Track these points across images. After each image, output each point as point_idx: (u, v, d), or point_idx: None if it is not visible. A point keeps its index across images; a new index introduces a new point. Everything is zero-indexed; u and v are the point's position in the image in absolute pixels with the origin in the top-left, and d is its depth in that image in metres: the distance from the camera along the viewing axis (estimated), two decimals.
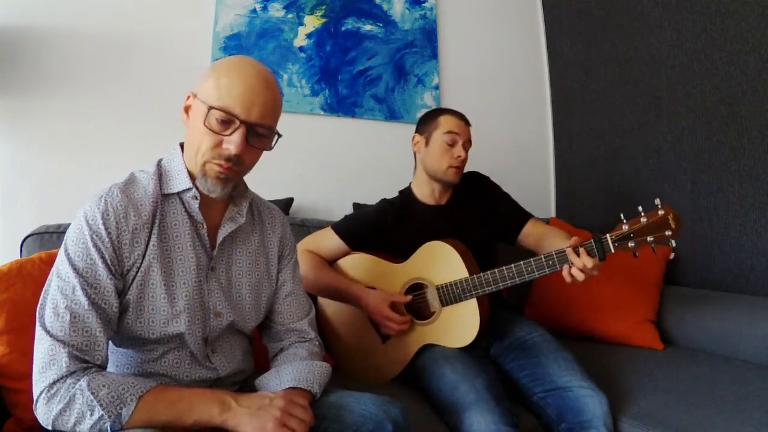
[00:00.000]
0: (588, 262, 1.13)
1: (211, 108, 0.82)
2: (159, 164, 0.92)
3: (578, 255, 1.14)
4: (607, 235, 1.14)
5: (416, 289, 1.35)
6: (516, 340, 1.33)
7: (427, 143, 1.45)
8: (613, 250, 1.14)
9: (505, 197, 1.53)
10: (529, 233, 1.46)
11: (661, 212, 1.12)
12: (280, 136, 0.90)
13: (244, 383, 1.01)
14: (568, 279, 1.16)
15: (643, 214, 1.13)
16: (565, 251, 1.17)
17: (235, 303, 0.96)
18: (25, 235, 1.39)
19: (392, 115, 2.12)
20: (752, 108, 1.58)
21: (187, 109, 0.89)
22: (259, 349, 1.09)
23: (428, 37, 2.21)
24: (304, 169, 1.99)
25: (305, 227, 1.69)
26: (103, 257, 0.80)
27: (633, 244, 1.13)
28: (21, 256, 1.35)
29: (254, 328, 1.04)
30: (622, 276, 1.70)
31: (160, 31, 1.82)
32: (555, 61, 2.44)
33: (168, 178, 0.90)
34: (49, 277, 0.81)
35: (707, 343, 1.51)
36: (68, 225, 1.39)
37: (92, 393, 0.72)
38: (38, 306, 0.78)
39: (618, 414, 1.17)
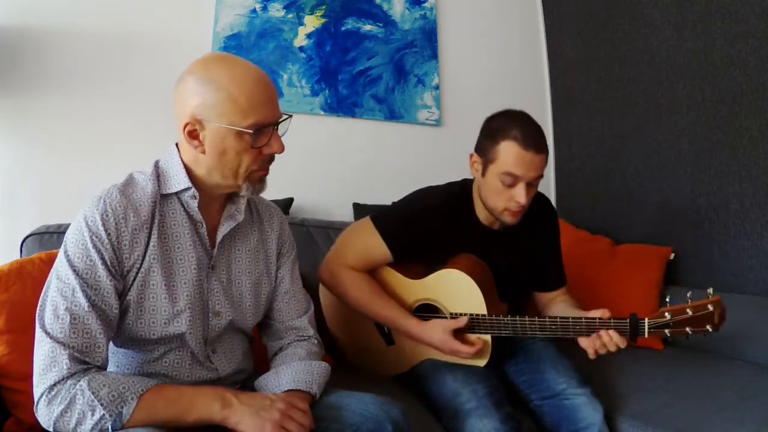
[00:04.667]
0: (620, 342, 1.08)
1: (255, 131, 0.83)
2: (156, 165, 0.92)
3: (608, 332, 1.08)
4: (646, 320, 1.08)
5: (427, 309, 1.28)
6: (515, 342, 1.33)
7: (483, 172, 1.20)
8: (646, 336, 1.09)
9: (558, 248, 1.38)
10: (548, 294, 1.37)
11: (710, 307, 1.05)
12: (290, 116, 0.91)
13: (244, 383, 1.01)
14: (590, 353, 1.11)
15: (690, 302, 1.06)
16: (596, 321, 1.10)
17: (235, 301, 0.96)
18: (25, 235, 1.39)
19: (392, 115, 2.12)
20: (752, 108, 1.58)
21: (192, 134, 0.84)
22: (258, 348, 1.09)
23: (428, 37, 2.21)
24: (304, 169, 1.99)
25: (305, 227, 1.69)
26: (102, 258, 0.80)
27: (669, 333, 1.08)
28: (21, 256, 1.35)
29: (254, 328, 1.04)
30: (622, 276, 1.70)
31: (160, 31, 1.82)
32: (555, 61, 2.43)
33: (166, 178, 0.90)
34: (48, 278, 0.80)
35: (707, 343, 1.51)
36: (68, 225, 1.40)
37: (93, 393, 0.72)
38: (38, 308, 0.78)
39: (617, 414, 1.17)
